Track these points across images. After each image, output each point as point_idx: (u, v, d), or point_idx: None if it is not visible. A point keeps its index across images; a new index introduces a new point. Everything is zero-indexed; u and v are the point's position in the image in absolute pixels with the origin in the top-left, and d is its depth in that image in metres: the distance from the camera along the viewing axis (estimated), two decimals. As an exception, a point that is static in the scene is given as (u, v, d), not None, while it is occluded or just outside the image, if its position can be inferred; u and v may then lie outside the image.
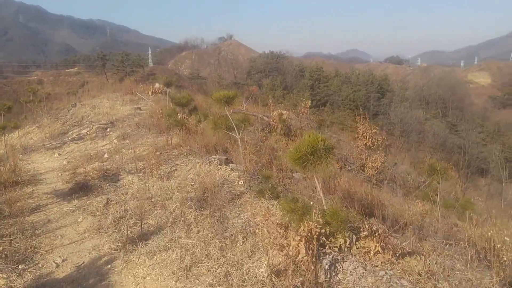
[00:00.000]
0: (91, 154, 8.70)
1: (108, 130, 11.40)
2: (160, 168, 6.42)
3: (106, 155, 8.37)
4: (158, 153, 7.20)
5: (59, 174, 7.33)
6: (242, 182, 5.66)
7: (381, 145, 13.62)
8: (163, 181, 5.93)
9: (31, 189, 6.34)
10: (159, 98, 16.07)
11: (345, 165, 12.85)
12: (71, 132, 12.56)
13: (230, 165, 6.57)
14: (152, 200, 5.32)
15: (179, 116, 9.08)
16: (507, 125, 50.18)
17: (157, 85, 17.24)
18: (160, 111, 11.13)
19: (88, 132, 11.56)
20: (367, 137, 13.03)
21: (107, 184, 6.19)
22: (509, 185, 25.20)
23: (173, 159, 7.00)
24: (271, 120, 13.61)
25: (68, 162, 8.39)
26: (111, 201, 5.40)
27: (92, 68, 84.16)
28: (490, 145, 39.33)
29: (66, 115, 14.92)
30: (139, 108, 13.95)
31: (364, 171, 12.58)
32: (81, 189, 5.97)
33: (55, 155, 9.59)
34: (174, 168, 6.46)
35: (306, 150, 3.69)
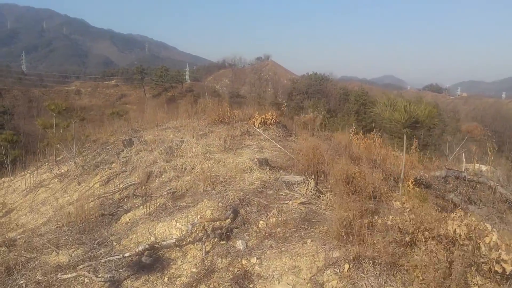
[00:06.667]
0: None
1: (241, 245, 3.94)
2: None
3: None
4: None
5: None
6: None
7: None
8: None
9: None
10: (279, 134, 8.71)
11: None
12: (126, 216, 5.26)
13: None
14: None
15: None
16: None
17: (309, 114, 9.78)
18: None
19: (177, 241, 4.15)
20: None
21: None
22: None
23: None
24: None
25: None
26: None
27: (130, 81, 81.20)
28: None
29: (112, 162, 7.71)
30: (266, 163, 6.50)
31: None
32: None
33: None
34: None
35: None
